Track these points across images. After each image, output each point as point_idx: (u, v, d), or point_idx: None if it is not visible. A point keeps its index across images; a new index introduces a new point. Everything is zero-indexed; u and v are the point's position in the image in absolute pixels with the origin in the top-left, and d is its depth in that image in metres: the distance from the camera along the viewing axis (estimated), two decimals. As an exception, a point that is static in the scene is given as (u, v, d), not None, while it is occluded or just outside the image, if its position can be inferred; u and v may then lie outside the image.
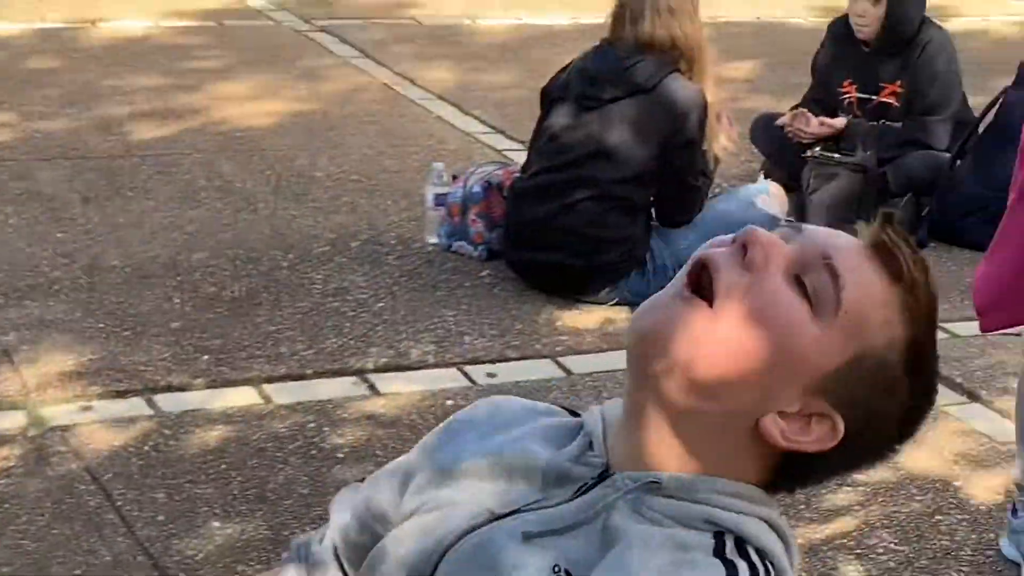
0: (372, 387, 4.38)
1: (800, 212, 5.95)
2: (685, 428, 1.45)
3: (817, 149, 6.15)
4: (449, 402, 4.35)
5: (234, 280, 4.91)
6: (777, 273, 1.37)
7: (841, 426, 1.43)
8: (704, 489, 1.45)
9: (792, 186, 5.85)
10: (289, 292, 4.90)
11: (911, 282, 1.44)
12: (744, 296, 1.38)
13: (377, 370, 4.53)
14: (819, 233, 1.45)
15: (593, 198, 5.05)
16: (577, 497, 1.54)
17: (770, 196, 5.32)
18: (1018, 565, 3.75)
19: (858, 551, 3.71)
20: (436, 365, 4.61)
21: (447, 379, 4.53)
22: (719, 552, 1.42)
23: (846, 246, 1.43)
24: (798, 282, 1.37)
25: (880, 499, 3.98)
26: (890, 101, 6.25)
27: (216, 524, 3.64)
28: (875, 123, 6.26)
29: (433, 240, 5.41)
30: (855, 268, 1.40)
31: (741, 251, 1.40)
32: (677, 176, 5.08)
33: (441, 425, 1.76)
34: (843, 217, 5.33)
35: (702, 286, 1.42)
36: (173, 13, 8.54)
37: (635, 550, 1.47)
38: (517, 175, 5.34)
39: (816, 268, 1.38)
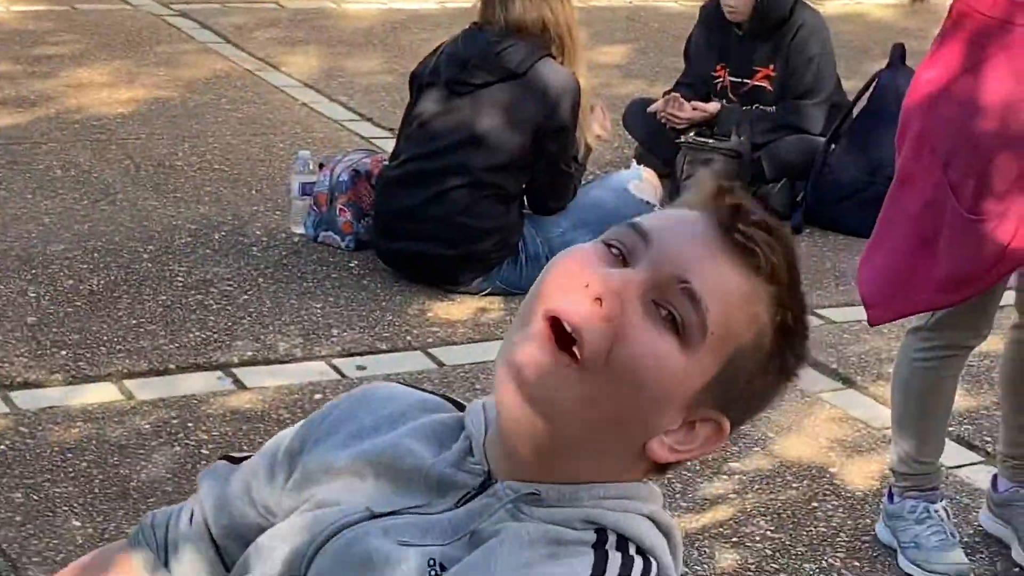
0: (237, 381, 4.35)
1: (674, 198, 5.86)
2: (563, 455, 1.45)
3: (691, 135, 6.23)
4: (317, 396, 4.34)
5: (93, 273, 4.84)
6: (635, 315, 1.35)
7: (727, 424, 1.44)
8: (587, 496, 1.45)
9: (666, 172, 5.91)
10: (151, 285, 4.85)
11: (770, 270, 1.43)
12: (611, 354, 1.36)
13: (243, 364, 4.51)
14: (668, 246, 1.41)
15: (465, 186, 5.06)
16: (460, 506, 1.52)
17: (643, 182, 5.34)
18: (894, 550, 3.84)
19: (735, 539, 3.76)
20: (304, 359, 4.60)
21: (315, 373, 4.52)
22: (598, 545, 1.42)
23: (698, 255, 1.40)
24: (657, 306, 1.36)
25: (756, 487, 4.03)
26: (764, 85, 6.33)
27: (76, 523, 3.60)
28: (749, 108, 6.34)
29: (299, 230, 5.40)
30: (712, 279, 1.38)
31: (596, 300, 1.36)
32: (550, 162, 5.09)
33: (323, 412, 1.73)
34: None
35: (562, 334, 1.40)
36: None
37: (506, 545, 1.46)
38: (385, 163, 5.31)
39: (674, 294, 1.37)
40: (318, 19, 8.49)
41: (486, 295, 5.13)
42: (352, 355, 4.65)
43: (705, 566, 3.70)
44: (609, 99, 6.13)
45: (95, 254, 5.03)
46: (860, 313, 4.21)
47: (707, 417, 1.42)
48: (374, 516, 1.56)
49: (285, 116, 6.80)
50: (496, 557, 1.46)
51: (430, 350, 4.74)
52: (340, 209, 5.34)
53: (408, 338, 4.81)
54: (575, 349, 1.37)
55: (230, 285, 5.01)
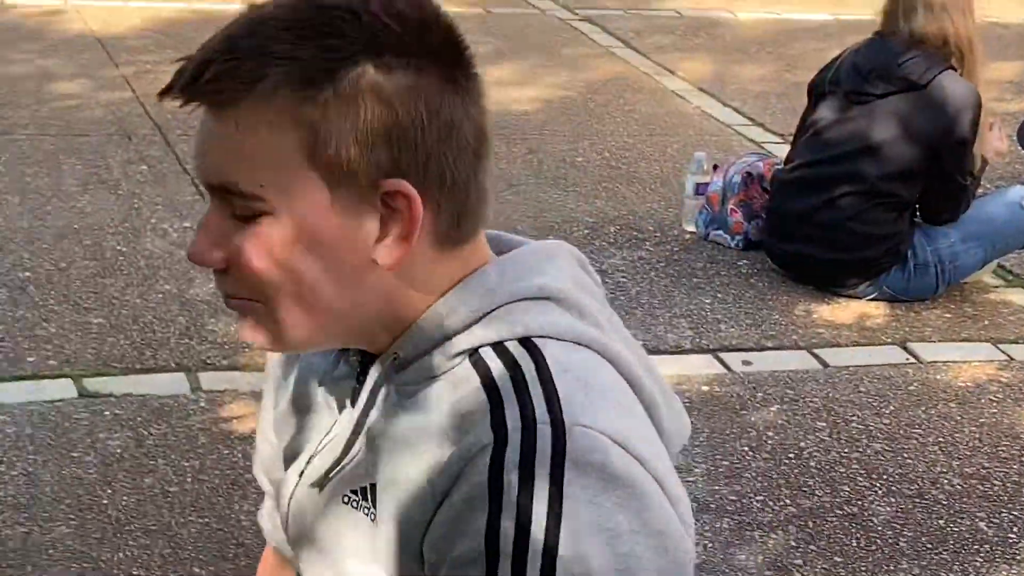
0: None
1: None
2: (349, 336, 1.38)
3: None
4: (704, 387, 4.39)
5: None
6: (231, 231, 1.30)
7: (408, 185, 1.31)
8: (429, 330, 1.35)
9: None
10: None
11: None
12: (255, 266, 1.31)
13: None
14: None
15: (857, 193, 5.01)
16: (352, 408, 1.46)
17: (1037, 199, 5.28)
18: None
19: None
20: (692, 351, 4.65)
21: (702, 365, 4.57)
22: (483, 377, 1.32)
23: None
24: (226, 209, 1.30)
25: None
26: None
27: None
28: None
29: (691, 228, 5.46)
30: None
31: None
32: (946, 175, 5.02)
33: (267, 372, 1.71)
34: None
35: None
36: None
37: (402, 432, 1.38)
38: (778, 167, 5.34)
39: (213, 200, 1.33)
40: (713, 27, 8.54)
41: (871, 300, 5.08)
42: (738, 350, 4.67)
43: None
44: (1002, 115, 6.01)
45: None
46: None
47: (389, 192, 1.28)
48: (302, 471, 1.53)
49: (679, 119, 6.87)
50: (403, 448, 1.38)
51: (815, 350, 4.73)
52: (731, 209, 5.37)
53: (794, 337, 4.80)
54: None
55: (624, 276, 5.09)
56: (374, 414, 1.44)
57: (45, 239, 5.01)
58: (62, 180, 5.53)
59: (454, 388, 1.38)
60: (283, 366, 1.66)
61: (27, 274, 4.76)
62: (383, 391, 1.43)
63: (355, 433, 1.45)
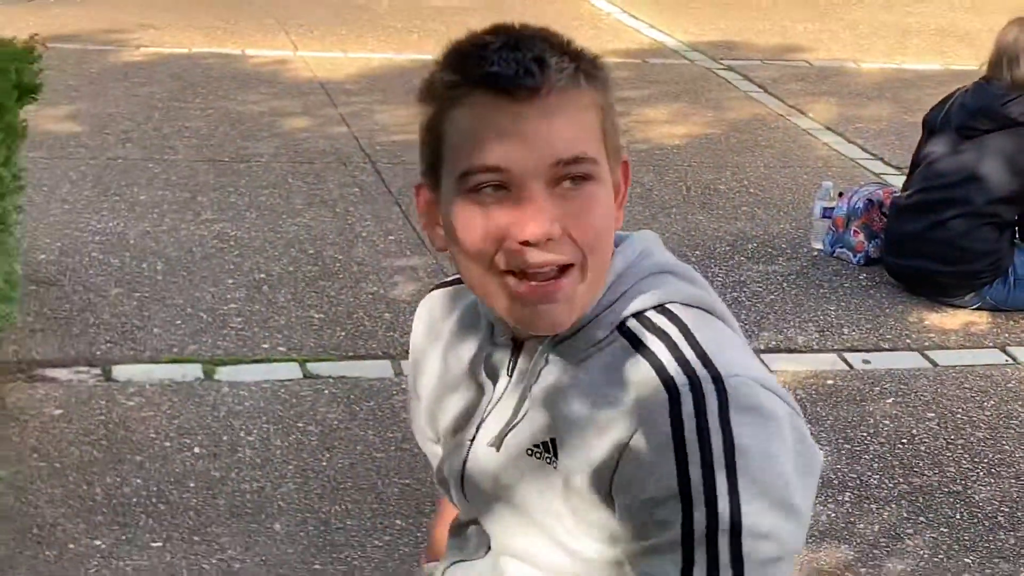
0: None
1: None
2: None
3: None
4: (829, 382, 4.26)
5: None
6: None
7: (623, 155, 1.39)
8: (609, 303, 1.35)
9: None
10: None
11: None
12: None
13: (766, 351, 4.46)
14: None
15: (964, 215, 4.85)
16: (509, 379, 1.45)
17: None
18: None
19: None
20: (818, 350, 4.52)
21: (827, 363, 4.44)
22: (637, 344, 1.33)
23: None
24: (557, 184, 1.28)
25: None
26: None
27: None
28: None
29: (818, 246, 5.32)
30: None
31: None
32: None
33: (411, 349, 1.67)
34: None
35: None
36: (607, 52, 8.46)
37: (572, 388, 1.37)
38: (896, 194, 5.19)
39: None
40: (839, 75, 8.27)
41: (975, 309, 4.92)
42: (859, 350, 4.53)
43: None
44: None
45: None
46: None
47: (624, 163, 1.36)
48: (473, 437, 1.49)
49: (809, 153, 6.67)
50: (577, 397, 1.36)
51: (925, 351, 4.58)
52: (854, 231, 5.22)
53: (907, 340, 4.66)
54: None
55: (759, 287, 4.96)
56: (543, 379, 1.41)
57: (277, 247, 4.96)
58: (290, 199, 5.47)
59: (614, 355, 1.37)
60: (425, 346, 1.62)
61: (262, 275, 4.72)
62: (546, 358, 1.40)
63: (522, 398, 1.42)
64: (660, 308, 1.37)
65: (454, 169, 1.33)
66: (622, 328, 1.35)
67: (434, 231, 1.42)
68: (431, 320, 1.63)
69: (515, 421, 1.43)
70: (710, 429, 1.28)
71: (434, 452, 1.68)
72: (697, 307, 1.38)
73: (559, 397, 1.40)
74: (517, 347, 1.44)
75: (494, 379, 1.47)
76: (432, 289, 1.67)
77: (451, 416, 1.56)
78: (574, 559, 1.40)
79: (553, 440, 1.40)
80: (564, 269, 1.31)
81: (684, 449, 1.28)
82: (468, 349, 1.52)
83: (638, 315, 1.35)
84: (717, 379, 1.28)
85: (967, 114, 4.83)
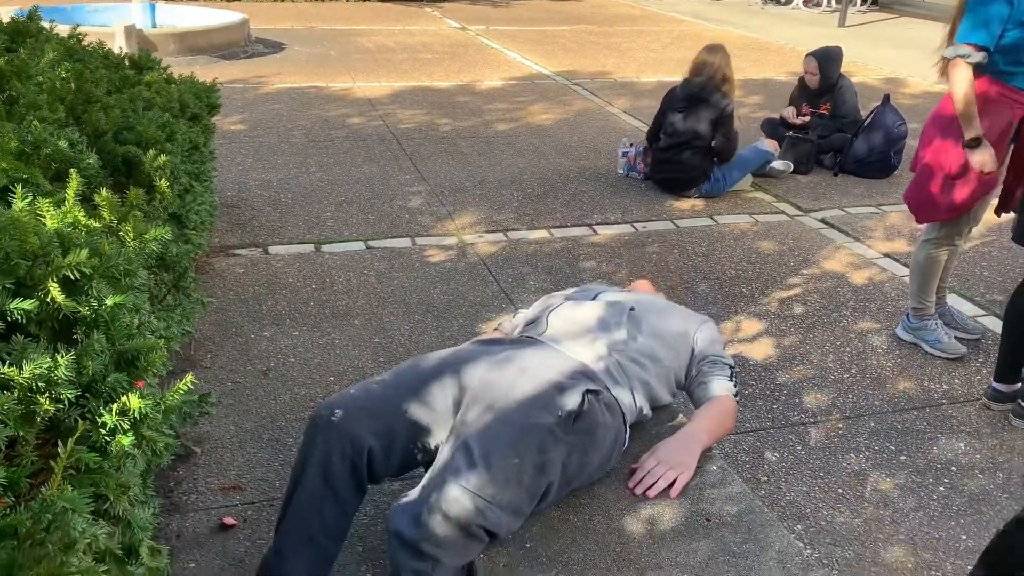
0: None
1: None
2: None
3: (790, 132, 6.81)
4: (625, 240, 5.04)
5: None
6: None
7: None
8: None
9: None
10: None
11: None
12: None
13: (598, 224, 5.38)
14: None
15: (689, 150, 6.02)
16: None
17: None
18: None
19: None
20: (620, 223, 5.49)
21: (625, 229, 5.32)
22: None
23: None
24: None
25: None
26: (825, 112, 7.12)
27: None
28: (819, 120, 6.98)
29: (621, 172, 6.37)
30: None
31: None
32: None
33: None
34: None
35: None
36: (510, 78, 9.50)
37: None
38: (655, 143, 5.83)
39: None
40: (631, 85, 9.22)
41: (697, 198, 6.05)
42: (639, 221, 5.50)
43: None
44: None
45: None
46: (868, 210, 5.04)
47: None
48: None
49: (616, 125, 7.67)
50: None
51: (674, 220, 5.49)
52: (639, 163, 6.32)
53: (664, 214, 5.65)
54: None
55: (593, 191, 6.03)
56: None
57: (349, 184, 6.01)
58: (354, 159, 6.55)
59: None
60: None
61: (342, 199, 5.65)
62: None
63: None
64: None
65: None
66: None
67: None
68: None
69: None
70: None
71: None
72: None
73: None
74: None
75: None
76: None
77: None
78: None
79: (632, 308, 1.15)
80: None
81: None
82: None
83: None
84: None
85: (685, 97, 6.01)
